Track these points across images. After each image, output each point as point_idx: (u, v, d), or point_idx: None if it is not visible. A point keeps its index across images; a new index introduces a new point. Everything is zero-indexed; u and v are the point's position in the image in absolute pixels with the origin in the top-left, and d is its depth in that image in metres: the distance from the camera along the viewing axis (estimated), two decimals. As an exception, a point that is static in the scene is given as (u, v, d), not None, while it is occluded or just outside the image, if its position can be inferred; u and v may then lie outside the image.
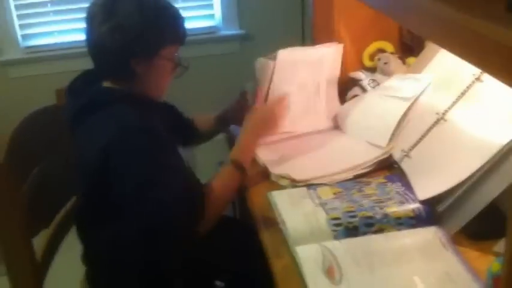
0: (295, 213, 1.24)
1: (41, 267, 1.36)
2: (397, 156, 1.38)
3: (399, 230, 1.18)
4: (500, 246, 1.09)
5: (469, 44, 0.94)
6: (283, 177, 1.41)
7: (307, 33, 2.90)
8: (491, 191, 1.10)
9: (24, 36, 2.80)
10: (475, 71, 1.26)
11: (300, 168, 1.45)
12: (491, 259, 1.04)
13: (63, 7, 2.75)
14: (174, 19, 1.32)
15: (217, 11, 2.93)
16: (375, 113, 1.56)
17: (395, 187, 1.30)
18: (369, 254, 1.12)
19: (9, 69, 2.83)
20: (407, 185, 1.29)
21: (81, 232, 1.38)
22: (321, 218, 1.21)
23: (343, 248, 1.13)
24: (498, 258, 1.01)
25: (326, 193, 1.30)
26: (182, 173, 1.25)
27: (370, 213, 1.20)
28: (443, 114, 1.30)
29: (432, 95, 1.39)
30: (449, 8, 0.91)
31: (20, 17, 2.75)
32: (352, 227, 1.18)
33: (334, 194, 1.29)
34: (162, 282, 1.32)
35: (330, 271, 1.08)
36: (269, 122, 1.46)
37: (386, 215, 1.20)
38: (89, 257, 1.40)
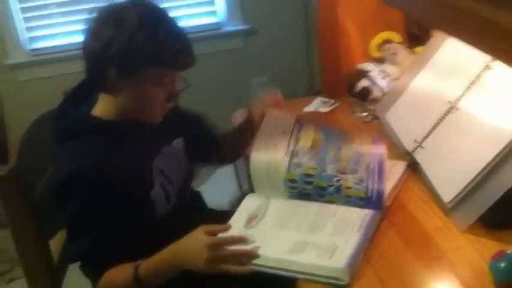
0: (263, 158, 1.28)
1: (58, 270, 1.35)
2: (409, 146, 1.37)
3: (346, 205, 1.20)
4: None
5: (479, 31, 0.93)
6: None
7: (311, 26, 2.89)
8: (507, 179, 1.08)
9: (31, 39, 2.81)
10: (486, 58, 1.24)
11: None
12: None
13: (67, 8, 2.77)
14: (159, 39, 1.14)
15: (219, 6, 2.92)
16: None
17: (372, 159, 1.25)
18: (293, 216, 1.19)
19: (18, 72, 2.84)
20: (382, 162, 1.25)
21: None
22: (280, 174, 1.25)
23: (278, 206, 1.23)
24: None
25: (306, 140, 1.31)
26: (108, 226, 1.15)
27: (324, 184, 1.22)
28: (455, 102, 1.29)
29: (442, 84, 1.37)
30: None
31: (26, 19, 2.76)
32: (305, 193, 1.23)
33: (313, 143, 1.30)
34: None
35: (251, 218, 1.19)
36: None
37: (338, 190, 1.21)
38: None
